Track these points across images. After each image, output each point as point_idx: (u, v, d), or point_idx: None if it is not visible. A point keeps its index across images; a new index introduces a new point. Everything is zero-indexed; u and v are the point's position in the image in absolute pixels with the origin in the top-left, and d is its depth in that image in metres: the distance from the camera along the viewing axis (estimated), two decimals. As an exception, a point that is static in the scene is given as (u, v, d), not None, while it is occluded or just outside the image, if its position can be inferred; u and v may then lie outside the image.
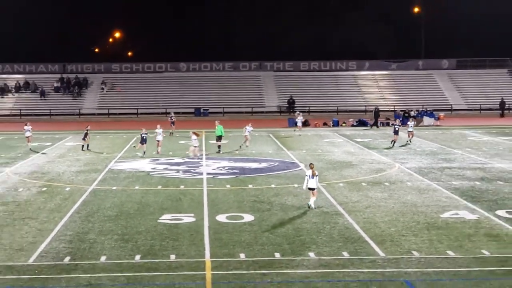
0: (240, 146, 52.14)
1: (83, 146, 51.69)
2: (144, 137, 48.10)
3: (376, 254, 23.15)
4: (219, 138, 50.08)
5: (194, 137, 46.79)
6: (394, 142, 53.01)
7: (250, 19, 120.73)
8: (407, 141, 54.17)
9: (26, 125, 52.84)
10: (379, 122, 72.41)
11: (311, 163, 31.15)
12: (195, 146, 46.62)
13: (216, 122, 51.63)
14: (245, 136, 52.78)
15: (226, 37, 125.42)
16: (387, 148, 50.77)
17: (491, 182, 36.50)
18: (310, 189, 29.72)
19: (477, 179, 37.46)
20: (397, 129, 53.20)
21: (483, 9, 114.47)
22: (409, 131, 54.54)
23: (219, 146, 50.11)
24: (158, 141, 49.06)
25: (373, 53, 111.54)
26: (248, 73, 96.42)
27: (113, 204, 31.68)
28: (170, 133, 62.72)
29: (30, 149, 51.64)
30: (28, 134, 52.17)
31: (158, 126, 49.88)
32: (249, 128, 53.52)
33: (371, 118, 73.60)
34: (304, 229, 26.52)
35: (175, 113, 72.00)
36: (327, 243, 24.48)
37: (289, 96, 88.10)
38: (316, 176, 29.69)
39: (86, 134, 51.50)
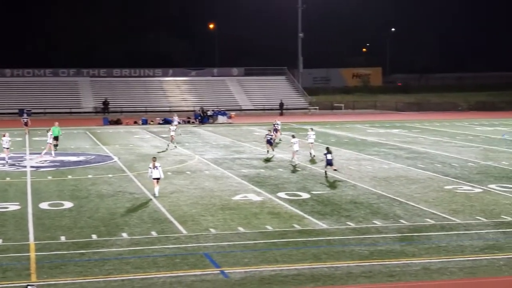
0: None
1: None
2: None
3: (180, 232, 23.21)
4: (55, 138, 46.18)
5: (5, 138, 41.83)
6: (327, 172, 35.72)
7: (69, 32, 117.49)
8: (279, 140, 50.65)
9: None
10: (204, 119, 73.22)
11: (153, 157, 30.83)
12: (49, 143, 43.19)
13: (55, 123, 47.90)
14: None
15: (47, 47, 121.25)
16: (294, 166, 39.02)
17: (273, 169, 37.56)
18: (154, 179, 29.22)
19: (262, 167, 38.43)
20: (296, 150, 39.41)
21: (266, 27, 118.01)
22: (278, 129, 50.70)
23: (55, 145, 45.78)
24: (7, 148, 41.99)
25: (176, 62, 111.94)
26: (67, 79, 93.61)
27: None
28: (26, 133, 56.52)
29: None
30: None
31: (7, 134, 42.57)
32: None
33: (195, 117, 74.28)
34: (118, 213, 26.16)
35: (28, 114, 68.42)
36: (138, 225, 24.27)
37: (104, 99, 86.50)
38: (159, 167, 29.28)
39: None
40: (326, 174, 34.92)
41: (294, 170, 37.05)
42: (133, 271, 18.98)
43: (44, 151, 43.33)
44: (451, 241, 22.04)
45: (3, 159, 41.09)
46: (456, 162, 39.90)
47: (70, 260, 19.92)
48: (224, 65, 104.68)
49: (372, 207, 27.32)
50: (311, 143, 42.41)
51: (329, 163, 34.51)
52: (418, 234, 22.94)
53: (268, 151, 43.07)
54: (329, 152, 34.70)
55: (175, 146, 48.08)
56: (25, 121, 60.73)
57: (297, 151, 39.15)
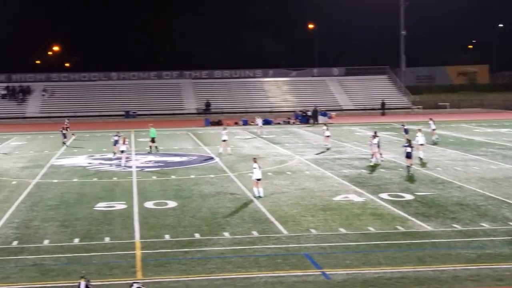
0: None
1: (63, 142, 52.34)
2: (65, 133, 52.05)
3: (281, 233, 23.29)
4: (152, 139, 47.05)
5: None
6: (408, 166, 35.77)
7: (171, 35, 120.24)
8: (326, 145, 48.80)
9: None
10: (318, 119, 73.33)
11: (254, 157, 31.09)
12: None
13: (149, 125, 49.17)
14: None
15: (151, 50, 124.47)
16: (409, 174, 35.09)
17: (374, 170, 37.13)
18: (258, 180, 29.32)
19: (363, 167, 38.03)
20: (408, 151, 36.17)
21: (367, 25, 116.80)
22: (326, 136, 48.36)
23: (151, 147, 46.79)
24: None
25: (276, 63, 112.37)
26: (170, 81, 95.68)
27: (54, 195, 31.04)
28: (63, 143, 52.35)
29: None
30: None
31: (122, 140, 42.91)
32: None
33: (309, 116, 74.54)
34: (220, 213, 26.50)
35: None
36: (239, 224, 24.52)
37: (206, 100, 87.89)
38: (260, 168, 29.57)
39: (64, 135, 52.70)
40: (408, 168, 35.33)
41: (380, 169, 36.51)
42: (235, 270, 19.18)
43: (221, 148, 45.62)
44: None
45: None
46: None
47: (174, 258, 20.34)
48: (324, 65, 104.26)
49: (480, 209, 26.55)
50: (421, 144, 40.98)
51: (408, 156, 35.25)
52: (529, 237, 22.13)
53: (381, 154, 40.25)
54: (409, 145, 35.48)
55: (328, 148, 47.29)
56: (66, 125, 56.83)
57: (377, 151, 38.94)
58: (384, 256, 20.30)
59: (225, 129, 47.23)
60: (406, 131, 48.64)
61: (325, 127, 48.95)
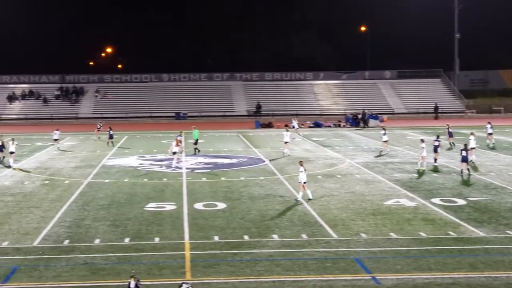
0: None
1: (108, 142, 53.90)
2: (112, 133, 53.53)
3: (330, 236, 23.20)
4: (195, 141, 47.61)
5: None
6: (463, 170, 36.05)
7: (221, 37, 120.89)
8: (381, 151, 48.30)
9: (57, 129, 52.83)
10: (367, 122, 73.32)
11: (300, 160, 31.07)
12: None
13: (192, 127, 49.66)
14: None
15: (201, 52, 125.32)
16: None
17: (427, 174, 36.68)
18: (305, 182, 29.35)
19: (415, 172, 37.60)
20: (425, 155, 38.50)
21: (420, 28, 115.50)
22: (384, 141, 47.79)
23: (196, 149, 47.25)
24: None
25: (327, 65, 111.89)
26: (221, 83, 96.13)
27: (105, 194, 31.48)
28: (98, 137, 58.30)
29: (58, 148, 51.39)
30: (56, 137, 51.97)
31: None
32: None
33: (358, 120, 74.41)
34: (269, 215, 26.52)
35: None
36: (289, 227, 24.49)
37: (256, 102, 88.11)
38: (305, 171, 29.59)
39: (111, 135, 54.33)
40: (462, 172, 35.71)
41: (445, 174, 36.01)
42: (284, 273, 19.17)
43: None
44: None
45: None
46: None
47: (223, 260, 20.44)
48: (376, 68, 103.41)
49: (534, 215, 26.03)
50: (472, 148, 40.40)
51: (464, 159, 35.51)
52: None
53: (435, 159, 39.88)
54: (465, 149, 35.79)
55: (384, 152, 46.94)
56: (99, 127, 59.86)
57: (425, 156, 38.33)
58: (435, 262, 20.05)
59: (287, 131, 47.50)
60: (450, 134, 48.64)
61: (383, 132, 48.05)
